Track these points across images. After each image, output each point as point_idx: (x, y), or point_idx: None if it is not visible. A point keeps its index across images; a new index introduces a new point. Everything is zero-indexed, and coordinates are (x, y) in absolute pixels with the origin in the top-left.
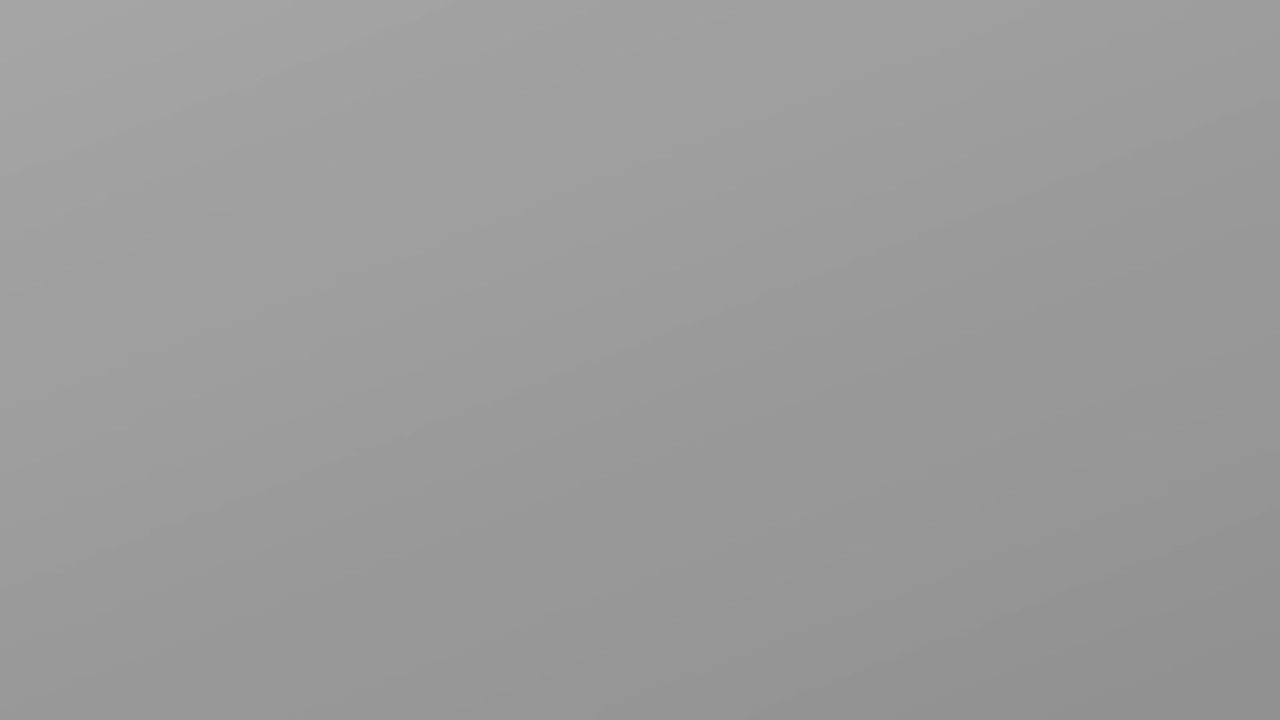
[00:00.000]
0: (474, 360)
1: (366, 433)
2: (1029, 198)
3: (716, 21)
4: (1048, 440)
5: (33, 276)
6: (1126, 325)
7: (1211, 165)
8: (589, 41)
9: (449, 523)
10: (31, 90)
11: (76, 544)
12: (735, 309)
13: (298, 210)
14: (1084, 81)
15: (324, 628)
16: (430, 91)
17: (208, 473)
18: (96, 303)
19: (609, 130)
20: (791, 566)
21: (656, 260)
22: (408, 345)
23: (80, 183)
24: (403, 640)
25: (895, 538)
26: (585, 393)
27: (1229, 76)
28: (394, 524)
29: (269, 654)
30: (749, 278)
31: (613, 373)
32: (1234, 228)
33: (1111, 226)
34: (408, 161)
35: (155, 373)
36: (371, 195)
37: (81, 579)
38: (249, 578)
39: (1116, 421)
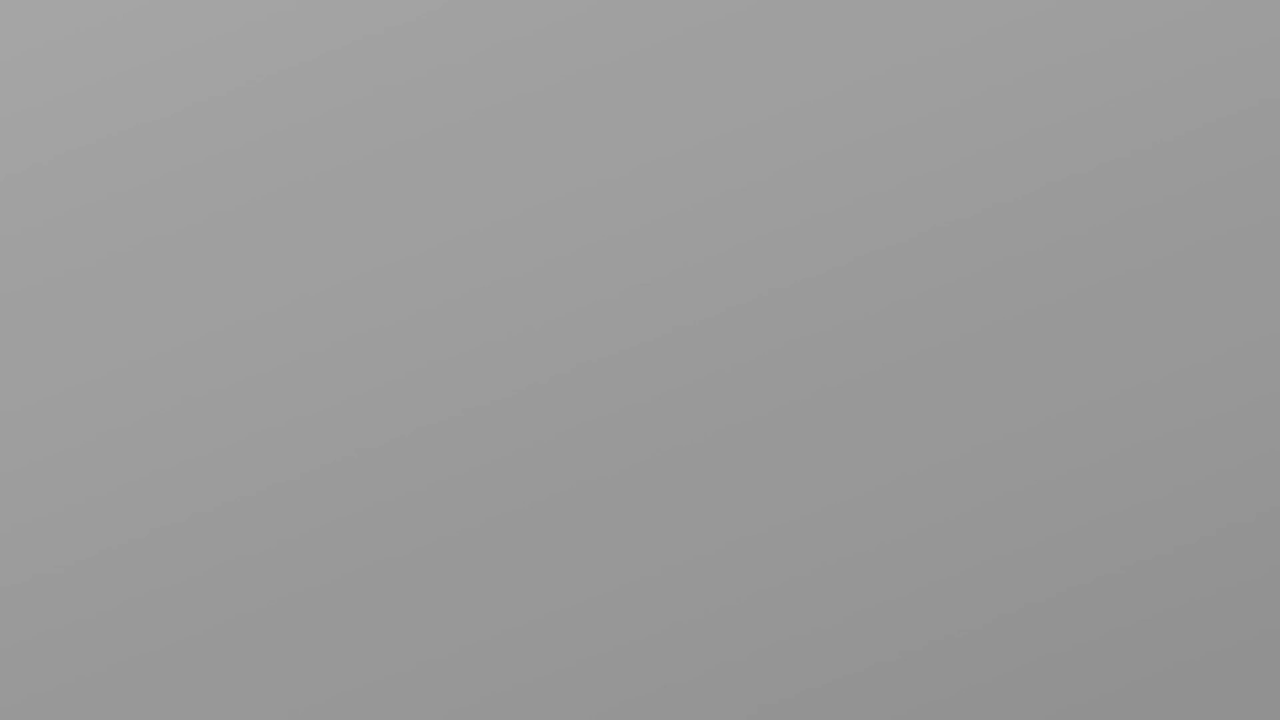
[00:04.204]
0: (474, 360)
1: (366, 433)
2: (1029, 198)
3: (716, 21)
4: (1048, 440)
5: (33, 276)
6: (1126, 325)
7: (1211, 165)
8: (589, 41)
9: (449, 523)
10: (31, 90)
11: (76, 544)
12: (735, 309)
13: (298, 210)
14: (1084, 81)
15: (324, 628)
16: (430, 91)
17: (208, 473)
18: (96, 303)
19: (609, 130)
20: (791, 566)
21: (656, 260)
22: (408, 345)
23: (80, 183)
24: (403, 640)
25: (895, 538)
26: (585, 393)
27: (1229, 76)
28: (394, 524)
29: (269, 654)
30: (749, 278)
31: (613, 373)
32: (1234, 228)
33: (1111, 226)
34: (408, 161)
35: (155, 373)
36: (371, 195)
37: (81, 579)
38: (249, 578)
39: (1116, 421)
